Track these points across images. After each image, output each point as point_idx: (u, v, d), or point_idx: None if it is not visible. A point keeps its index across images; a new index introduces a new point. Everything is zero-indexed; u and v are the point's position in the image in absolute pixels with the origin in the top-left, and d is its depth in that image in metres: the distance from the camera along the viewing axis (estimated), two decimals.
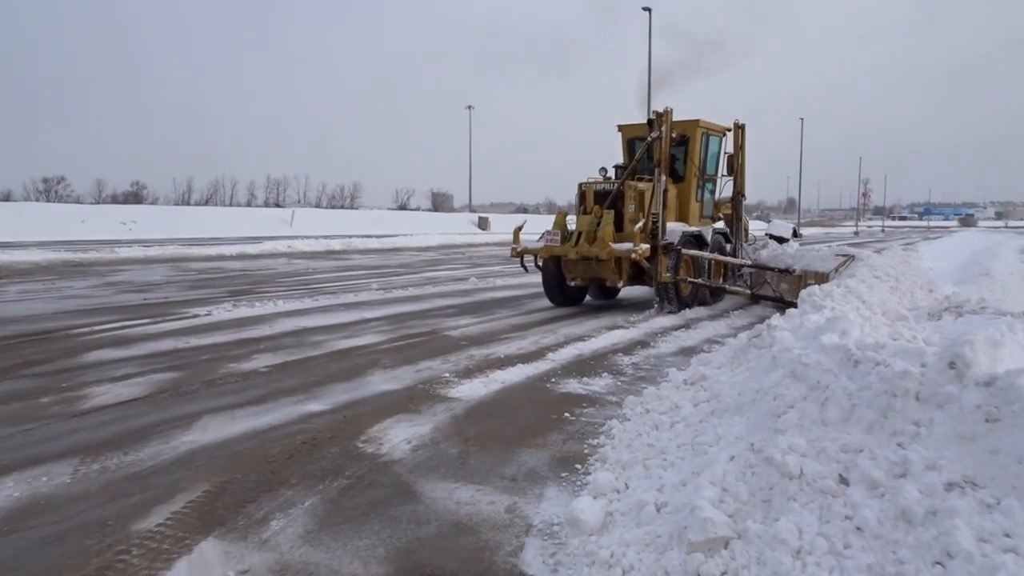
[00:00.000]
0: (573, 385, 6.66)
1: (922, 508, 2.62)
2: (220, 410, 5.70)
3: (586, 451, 4.76)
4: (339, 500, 3.95)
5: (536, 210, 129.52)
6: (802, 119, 69.19)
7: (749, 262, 13.65)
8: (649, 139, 11.89)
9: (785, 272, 12.81)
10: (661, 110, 11.72)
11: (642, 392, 5.71)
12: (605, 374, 7.10)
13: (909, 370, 3.26)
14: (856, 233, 76.15)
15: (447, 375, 6.98)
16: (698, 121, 12.97)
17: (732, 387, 4.64)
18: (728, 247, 13.69)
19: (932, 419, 3.03)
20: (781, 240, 15.21)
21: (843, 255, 12.55)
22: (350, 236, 35.41)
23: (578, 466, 4.45)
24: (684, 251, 11.64)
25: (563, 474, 4.34)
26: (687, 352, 8.19)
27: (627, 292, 13.91)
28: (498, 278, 17.16)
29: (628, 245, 11.14)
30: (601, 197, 12.09)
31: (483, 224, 57.35)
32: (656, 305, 11.79)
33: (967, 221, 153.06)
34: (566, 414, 5.68)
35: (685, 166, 13.12)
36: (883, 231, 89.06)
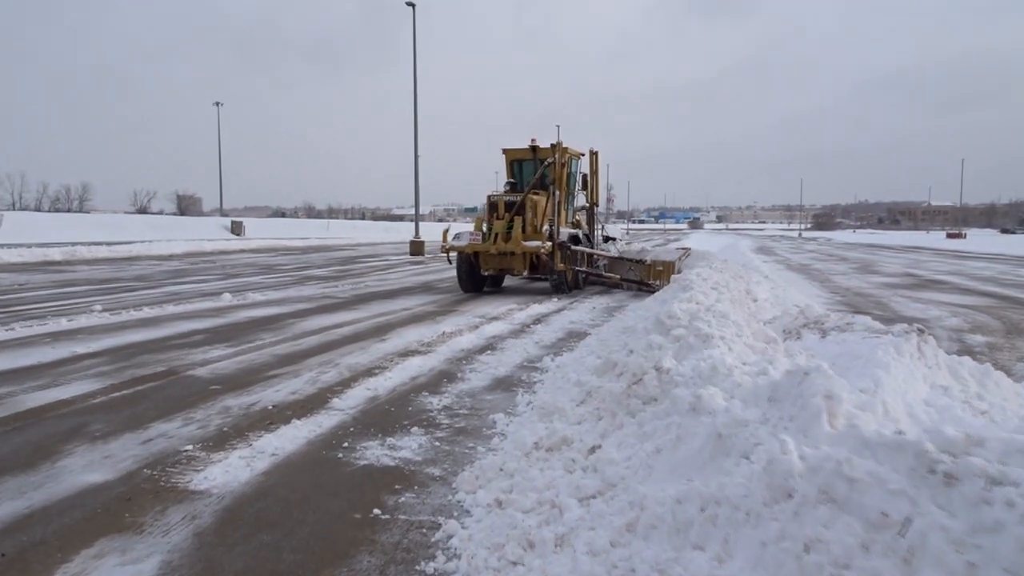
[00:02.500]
0: (375, 451, 4.78)
1: None
2: None
3: None
4: None
5: (295, 214, 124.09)
6: (558, 126, 71.21)
7: (617, 254, 17.21)
8: (547, 163, 15.27)
9: (640, 262, 16.45)
10: (554, 142, 15.49)
11: (476, 461, 4.02)
12: (415, 429, 5.28)
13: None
14: None
15: (190, 447, 4.81)
16: (567, 148, 15.90)
17: (636, 473, 3.04)
18: (579, 247, 16.11)
19: None
20: (612, 239, 19.01)
21: (682, 249, 17.30)
22: (75, 244, 30.27)
23: None
24: (574, 248, 15.26)
25: None
26: (502, 385, 6.60)
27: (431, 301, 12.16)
28: (257, 291, 14.64)
29: (537, 243, 14.33)
30: (509, 206, 14.99)
31: (236, 229, 52.67)
32: (552, 289, 15.03)
33: (695, 224, 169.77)
34: (376, 510, 3.80)
35: (550, 181, 15.51)
36: (627, 233, 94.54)
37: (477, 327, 10.19)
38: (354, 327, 10.27)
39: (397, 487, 4.12)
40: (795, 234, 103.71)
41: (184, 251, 32.11)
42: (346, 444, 4.90)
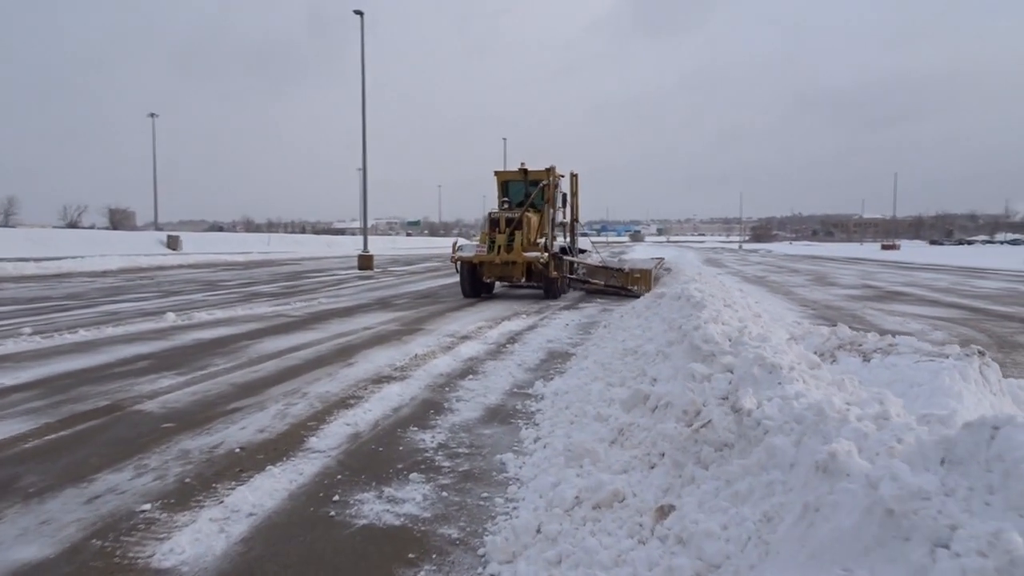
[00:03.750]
0: (373, 505, 4.03)
1: None
2: None
3: None
4: None
5: (233, 228, 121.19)
6: (504, 138, 71.20)
7: (600, 263, 19.40)
8: (542, 184, 17.90)
9: (619, 270, 18.63)
10: (548, 166, 17.95)
11: (498, 517, 3.35)
12: (413, 475, 4.53)
13: None
14: None
15: (147, 506, 3.99)
16: (552, 168, 18.07)
17: (745, 550, 2.38)
18: (567, 257, 18.52)
19: None
20: (584, 250, 20.77)
21: (656, 258, 20.61)
22: None
23: None
24: (564, 257, 17.89)
25: None
26: (498, 417, 5.89)
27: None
28: (203, 310, 13.62)
29: (535, 253, 16.69)
30: (508, 222, 17.13)
31: (173, 244, 50.71)
32: (543, 292, 17.21)
33: (637, 236, 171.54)
34: None
35: (543, 200, 18.10)
36: (592, 245, 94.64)
37: (451, 348, 9.46)
38: (315, 349, 9.44)
39: (411, 556, 3.38)
40: (735, 246, 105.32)
41: (119, 267, 30.48)
42: (336, 497, 4.14)
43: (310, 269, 31.57)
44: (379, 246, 61.25)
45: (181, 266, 33.31)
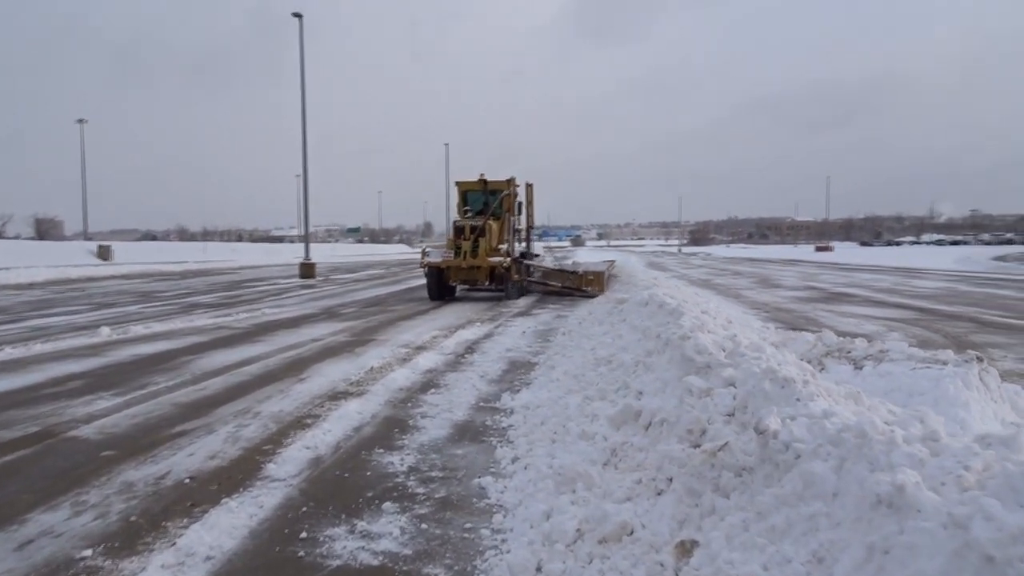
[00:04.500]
0: (347, 543, 3.63)
1: None
2: None
3: None
4: None
5: (167, 237, 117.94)
6: (447, 144, 70.28)
7: (556, 266, 21.41)
8: (503, 194, 19.89)
9: (574, 272, 20.02)
10: (508, 177, 20.08)
11: (487, 552, 3.03)
12: (386, 504, 4.14)
13: None
14: None
15: (88, 552, 3.52)
16: (512, 179, 20.19)
17: None
18: (527, 261, 20.51)
19: None
20: (537, 255, 23.27)
21: (607, 261, 23.87)
22: None
23: None
24: (525, 262, 19.94)
25: None
26: (468, 435, 5.55)
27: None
28: (139, 323, 12.91)
29: (499, 259, 18.35)
30: (472, 229, 18.67)
31: (104, 254, 48.74)
32: (505, 294, 18.52)
33: (578, 241, 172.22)
34: None
35: (502, 209, 19.99)
36: (545, 249, 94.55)
37: (407, 360, 9.06)
38: (264, 364, 8.94)
39: None
40: (675, 250, 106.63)
41: (47, 278, 29.08)
42: (304, 534, 3.73)
43: (250, 278, 30.65)
44: (320, 254, 59.97)
45: (113, 277, 31.99)
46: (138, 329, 12.08)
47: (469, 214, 20.21)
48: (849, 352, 5.07)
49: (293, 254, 60.68)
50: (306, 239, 33.18)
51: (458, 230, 19.16)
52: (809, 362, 5.15)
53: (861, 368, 4.75)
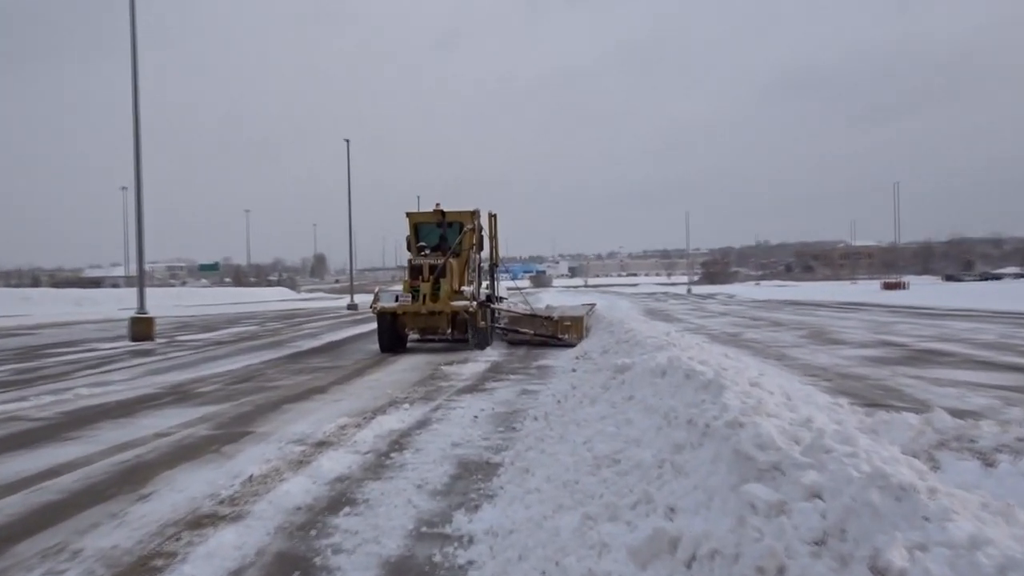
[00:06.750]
0: None
1: None
2: None
3: None
4: None
5: None
6: (347, 140, 70.87)
7: (529, 311, 25.52)
8: (466, 229, 23.68)
9: (548, 318, 23.98)
10: (472, 209, 24.35)
11: None
12: None
13: None
14: None
15: None
16: (476, 211, 24.30)
17: None
18: (494, 305, 24.61)
19: None
20: (503, 297, 27.83)
21: (587, 304, 29.89)
22: None
23: None
24: (493, 306, 23.91)
25: None
26: None
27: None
28: None
29: (464, 302, 21.82)
30: (431, 269, 22.10)
31: None
32: (471, 343, 22.24)
33: (541, 280, 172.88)
34: None
35: (461, 244, 23.64)
36: (507, 291, 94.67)
37: (304, 462, 8.84)
38: (84, 473, 8.68)
39: None
40: (683, 289, 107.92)
41: None
42: None
43: (54, 342, 30.03)
44: (160, 303, 59.46)
45: None
46: None
47: (426, 251, 23.65)
48: (973, 441, 5.04)
49: (118, 304, 59.98)
50: (140, 282, 32.60)
51: (415, 270, 22.84)
52: (915, 456, 5.09)
53: (993, 465, 4.71)
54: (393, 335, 22.40)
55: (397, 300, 22.32)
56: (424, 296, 22.06)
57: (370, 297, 24.93)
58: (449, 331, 22.70)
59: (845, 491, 3.44)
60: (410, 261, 23.47)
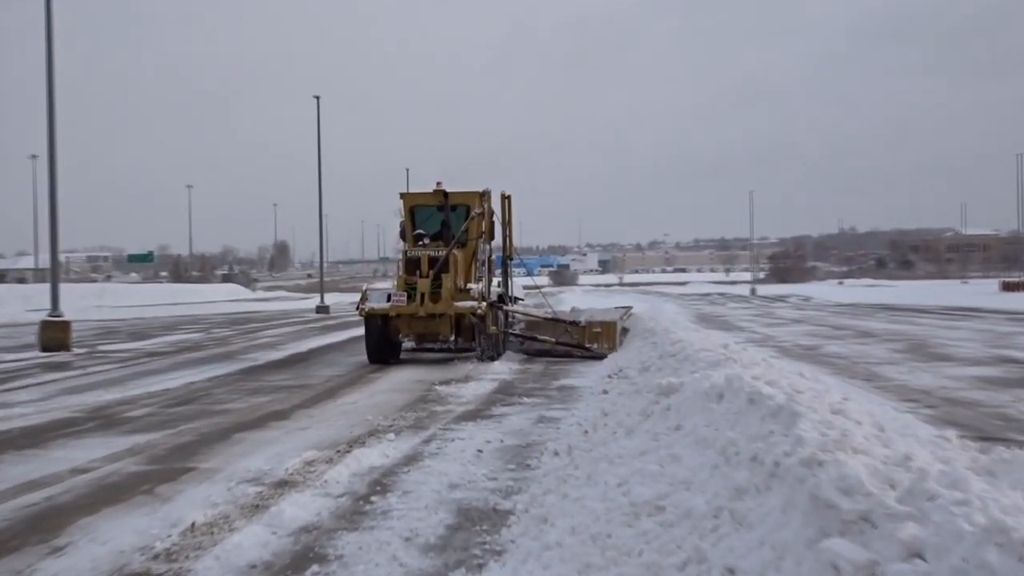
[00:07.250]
0: None
1: None
2: None
3: None
4: None
5: None
6: (317, 97, 71.35)
7: (551, 314, 26.18)
8: (474, 213, 24.00)
9: (574, 323, 24.72)
10: (482, 189, 24.53)
11: None
12: None
13: None
14: None
15: None
16: (487, 192, 24.69)
17: None
18: (508, 307, 25.23)
19: None
20: (519, 298, 28.80)
21: (621, 307, 29.51)
22: None
23: None
24: (507, 308, 24.49)
25: None
26: None
27: None
28: None
29: (471, 303, 22.04)
30: (431, 262, 22.29)
31: None
32: (478, 353, 22.49)
33: (563, 277, 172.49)
34: None
35: (467, 232, 24.03)
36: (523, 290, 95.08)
37: (261, 507, 8.94)
38: None
39: None
40: (745, 290, 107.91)
41: None
42: None
43: None
44: (78, 303, 59.80)
45: None
46: None
47: (425, 241, 23.86)
48: None
49: (25, 304, 60.17)
50: (54, 276, 32.79)
51: (411, 263, 23.21)
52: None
53: None
54: (384, 342, 22.75)
55: (389, 300, 22.55)
56: (422, 295, 22.17)
57: (344, 297, 25.69)
58: (452, 338, 22.90)
59: (954, 549, 3.45)
60: (406, 252, 23.81)
